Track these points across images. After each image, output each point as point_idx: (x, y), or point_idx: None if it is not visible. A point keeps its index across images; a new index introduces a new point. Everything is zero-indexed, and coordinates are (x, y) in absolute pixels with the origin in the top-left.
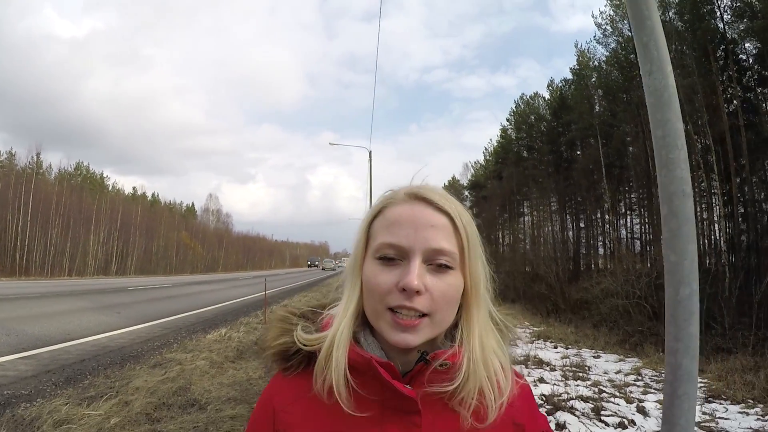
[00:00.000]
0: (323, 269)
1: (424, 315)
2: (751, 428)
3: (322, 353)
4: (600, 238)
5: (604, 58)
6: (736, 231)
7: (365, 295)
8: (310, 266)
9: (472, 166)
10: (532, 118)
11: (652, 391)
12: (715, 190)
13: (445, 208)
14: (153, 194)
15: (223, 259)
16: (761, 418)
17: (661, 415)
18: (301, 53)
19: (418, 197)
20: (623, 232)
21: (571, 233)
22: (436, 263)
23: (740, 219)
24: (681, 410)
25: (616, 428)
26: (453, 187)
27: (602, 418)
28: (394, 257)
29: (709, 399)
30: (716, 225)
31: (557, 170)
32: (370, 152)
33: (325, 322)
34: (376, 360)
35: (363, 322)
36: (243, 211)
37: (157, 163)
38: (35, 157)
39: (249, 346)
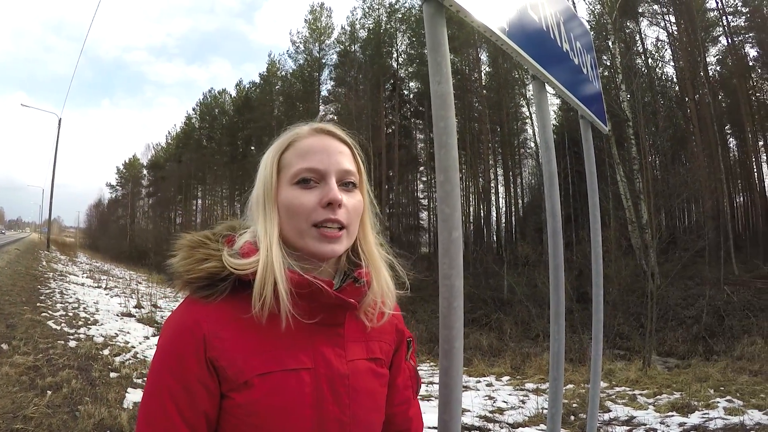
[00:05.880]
0: None
1: (342, 227)
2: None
3: (258, 278)
4: None
5: (291, 71)
6: (383, 227)
7: (286, 218)
8: None
9: (153, 147)
10: (216, 111)
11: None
12: None
13: (346, 140)
14: None
15: None
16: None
17: None
18: (11, 5)
19: (323, 131)
20: None
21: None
22: (344, 182)
23: (386, 218)
24: (456, 317)
25: None
26: (133, 165)
27: None
28: (311, 179)
29: None
30: None
31: (233, 161)
32: (60, 120)
33: (246, 248)
34: (319, 280)
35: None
36: None
37: None
38: None
39: None
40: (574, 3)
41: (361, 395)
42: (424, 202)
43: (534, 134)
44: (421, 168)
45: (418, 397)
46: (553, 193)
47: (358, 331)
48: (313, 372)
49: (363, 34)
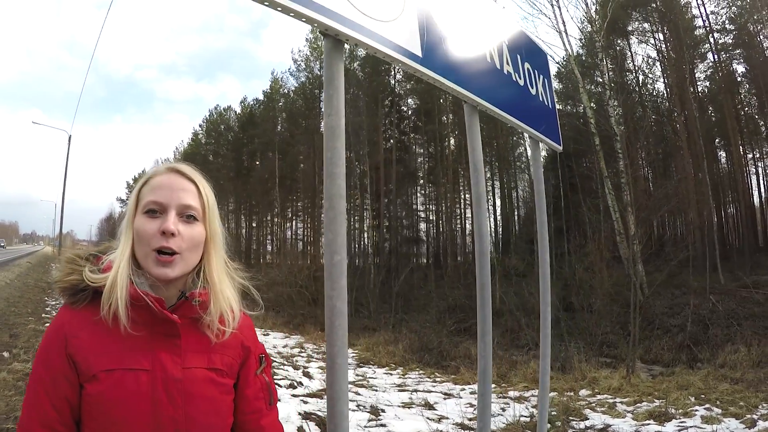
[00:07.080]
0: None
1: (176, 254)
2: (394, 384)
3: (106, 289)
4: (269, 237)
5: (293, 88)
6: (381, 239)
7: (136, 242)
8: None
9: (162, 162)
10: (222, 127)
11: (314, 360)
12: (367, 207)
13: (193, 179)
14: None
15: None
16: (401, 376)
17: (324, 378)
18: (26, 25)
19: (174, 170)
20: (288, 233)
21: (244, 231)
22: (185, 215)
23: (385, 230)
24: (338, 336)
25: (287, 388)
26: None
27: (275, 381)
28: (157, 211)
29: (360, 364)
30: (366, 233)
31: (238, 175)
32: (69, 136)
33: (107, 265)
34: (150, 296)
35: (135, 265)
36: None
37: None
38: None
39: None
40: (564, 23)
41: (197, 399)
42: (423, 214)
43: (527, 148)
44: (421, 181)
45: (405, 404)
46: (481, 214)
47: (201, 343)
48: (150, 374)
49: (361, 52)
